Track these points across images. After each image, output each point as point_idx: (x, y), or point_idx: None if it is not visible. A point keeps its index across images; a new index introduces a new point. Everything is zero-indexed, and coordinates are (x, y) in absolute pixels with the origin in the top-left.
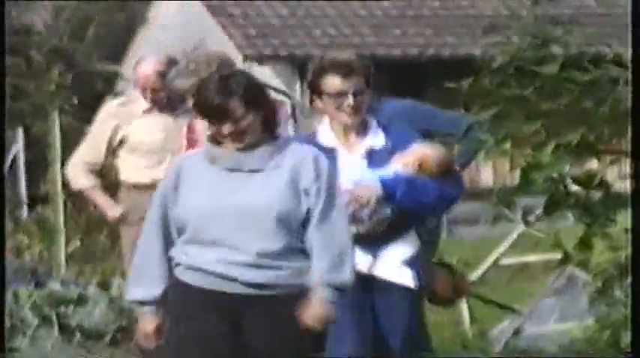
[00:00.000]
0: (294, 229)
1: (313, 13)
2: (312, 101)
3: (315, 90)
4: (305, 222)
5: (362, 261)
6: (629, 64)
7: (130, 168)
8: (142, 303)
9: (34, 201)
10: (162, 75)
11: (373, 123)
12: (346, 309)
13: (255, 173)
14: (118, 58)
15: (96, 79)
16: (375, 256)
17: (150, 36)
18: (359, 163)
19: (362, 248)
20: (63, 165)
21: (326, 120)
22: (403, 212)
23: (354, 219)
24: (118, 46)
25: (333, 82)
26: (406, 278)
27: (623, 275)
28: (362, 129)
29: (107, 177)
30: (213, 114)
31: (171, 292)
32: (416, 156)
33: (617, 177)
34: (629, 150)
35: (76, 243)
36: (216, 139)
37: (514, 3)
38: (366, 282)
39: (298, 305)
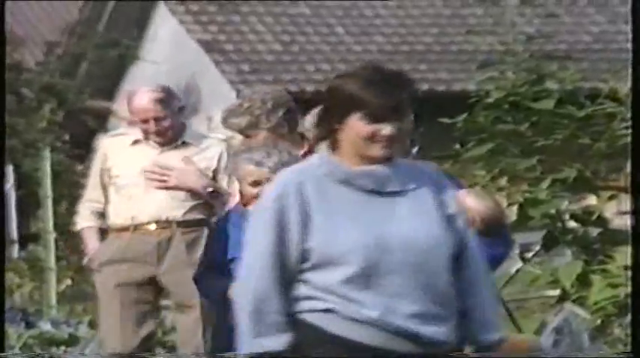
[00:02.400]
0: (449, 268)
1: (307, 48)
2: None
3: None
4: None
5: None
6: (629, 100)
7: (114, 208)
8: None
9: (24, 240)
10: (162, 101)
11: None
12: None
13: (397, 196)
14: (110, 94)
15: (88, 116)
16: None
17: (142, 72)
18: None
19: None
20: (54, 203)
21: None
22: None
23: None
24: (110, 82)
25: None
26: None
27: (623, 312)
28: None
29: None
30: (379, 112)
31: (313, 344)
32: (459, 206)
33: (616, 213)
34: (629, 186)
35: (67, 282)
36: (335, 147)
37: (509, 38)
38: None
39: None
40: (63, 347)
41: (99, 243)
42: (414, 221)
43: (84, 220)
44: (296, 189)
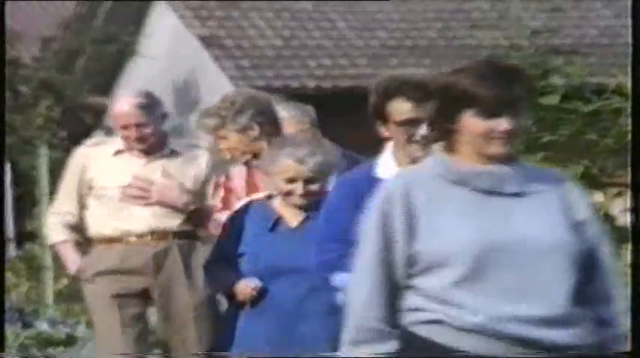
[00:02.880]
0: (577, 271)
1: (308, 44)
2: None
3: (380, 116)
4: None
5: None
6: (630, 94)
7: (97, 219)
8: None
9: (21, 238)
10: (143, 107)
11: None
12: None
13: (517, 198)
14: (108, 91)
15: (85, 113)
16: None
17: (140, 68)
18: None
19: None
20: (51, 201)
21: (389, 149)
22: None
23: None
24: (107, 78)
25: (401, 108)
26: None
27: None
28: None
29: (84, 231)
30: (495, 107)
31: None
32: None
33: (623, 210)
34: (630, 184)
35: (64, 281)
36: (452, 148)
37: (513, 33)
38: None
39: None
40: (60, 348)
41: (80, 255)
42: (533, 223)
43: (57, 234)
44: (401, 193)
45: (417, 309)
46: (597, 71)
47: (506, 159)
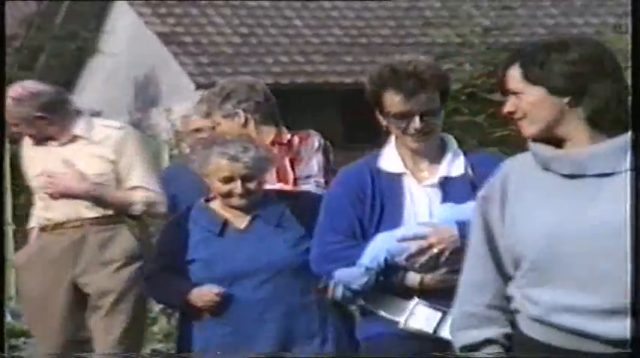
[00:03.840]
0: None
1: (265, 41)
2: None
3: (377, 106)
4: None
5: (428, 317)
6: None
7: (36, 209)
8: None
9: None
10: (19, 101)
11: (453, 145)
12: None
13: (605, 178)
14: (69, 87)
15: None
16: (443, 312)
17: (101, 64)
18: (431, 195)
19: (426, 301)
20: (13, 195)
21: (392, 140)
22: None
23: (423, 267)
24: (69, 75)
25: (393, 101)
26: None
27: None
28: (437, 153)
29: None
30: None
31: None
32: None
33: None
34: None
35: None
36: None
37: (466, 31)
38: (432, 345)
39: None
40: (22, 339)
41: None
42: (620, 205)
43: (31, 221)
44: (500, 182)
45: (509, 298)
46: None
47: (589, 141)
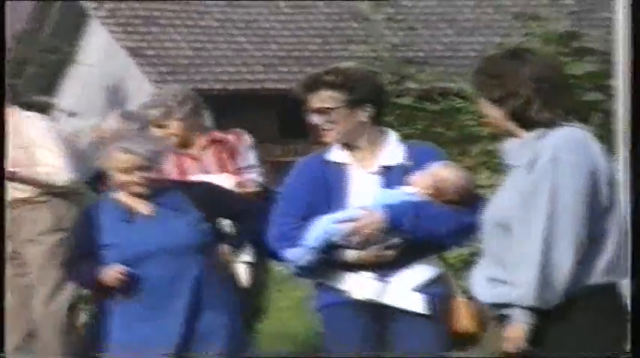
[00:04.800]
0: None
1: (214, 54)
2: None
3: (303, 106)
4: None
5: (370, 287)
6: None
7: None
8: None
9: None
10: None
11: (392, 136)
12: (356, 340)
13: (511, 170)
14: (51, 92)
15: (33, 109)
16: (384, 282)
17: (78, 73)
18: (372, 181)
19: (370, 272)
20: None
21: None
22: (417, 239)
23: (357, 245)
24: (52, 82)
25: (309, 100)
26: (416, 304)
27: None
28: (378, 145)
29: None
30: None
31: None
32: (432, 178)
33: None
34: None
35: None
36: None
37: (379, 47)
38: (378, 310)
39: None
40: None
41: None
42: (509, 194)
43: None
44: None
45: None
46: (442, 78)
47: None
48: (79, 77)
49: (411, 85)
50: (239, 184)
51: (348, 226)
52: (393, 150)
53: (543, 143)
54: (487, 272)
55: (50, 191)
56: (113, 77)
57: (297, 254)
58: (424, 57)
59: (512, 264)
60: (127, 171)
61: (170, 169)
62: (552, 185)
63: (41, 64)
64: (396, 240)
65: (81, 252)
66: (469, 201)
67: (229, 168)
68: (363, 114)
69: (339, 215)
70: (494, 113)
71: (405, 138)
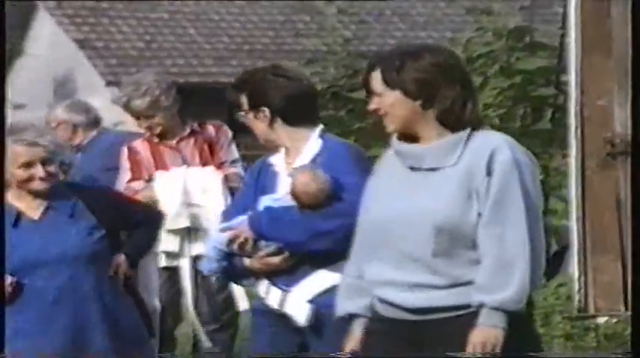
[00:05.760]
0: (462, 240)
1: (164, 46)
2: None
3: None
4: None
5: (274, 295)
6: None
7: None
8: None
9: None
10: None
11: (315, 134)
12: (278, 346)
13: (433, 172)
14: None
15: None
16: (286, 290)
17: (25, 65)
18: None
19: (273, 281)
20: None
21: None
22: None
23: (243, 253)
24: None
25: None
26: (300, 315)
27: None
28: (303, 141)
29: None
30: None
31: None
32: (294, 183)
33: None
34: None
35: None
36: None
37: (331, 40)
38: (283, 318)
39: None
40: None
41: None
42: (431, 196)
43: None
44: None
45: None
46: None
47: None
48: (26, 68)
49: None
50: (225, 178)
51: (228, 234)
52: (312, 147)
53: (479, 144)
54: (411, 278)
55: None
56: (61, 69)
57: (203, 263)
58: (376, 51)
59: (468, 267)
60: (27, 165)
61: (148, 160)
62: (522, 186)
63: None
64: (272, 248)
65: None
66: (325, 204)
67: (212, 161)
68: (265, 118)
69: (224, 223)
70: (407, 109)
71: (357, 132)
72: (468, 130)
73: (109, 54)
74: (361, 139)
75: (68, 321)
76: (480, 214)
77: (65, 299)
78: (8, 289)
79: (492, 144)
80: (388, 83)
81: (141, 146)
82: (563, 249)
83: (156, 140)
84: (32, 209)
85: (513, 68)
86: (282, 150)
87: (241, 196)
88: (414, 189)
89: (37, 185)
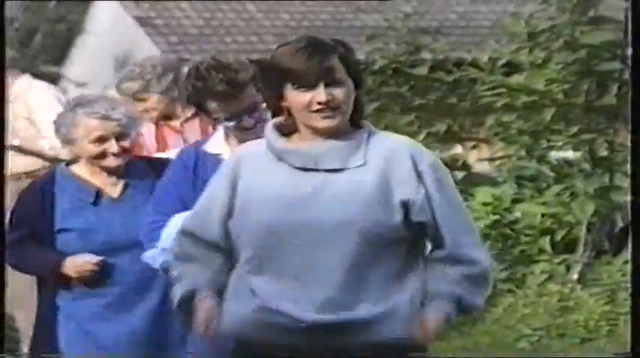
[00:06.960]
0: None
1: (224, 23)
2: None
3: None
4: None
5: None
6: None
7: None
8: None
9: None
10: None
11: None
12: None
13: (334, 174)
14: (60, 62)
15: (41, 79)
16: None
17: (86, 43)
18: None
19: None
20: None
21: (222, 128)
22: None
23: None
24: (60, 52)
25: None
26: None
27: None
28: (247, 138)
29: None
30: (309, 79)
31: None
32: None
33: (477, 160)
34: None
35: None
36: (282, 126)
37: (391, 16)
38: None
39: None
40: None
41: None
42: (343, 200)
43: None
44: (232, 166)
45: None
46: (457, 48)
47: (336, 133)
48: (87, 47)
49: (425, 55)
50: None
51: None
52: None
53: (382, 146)
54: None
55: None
56: (122, 47)
57: (152, 256)
58: (438, 26)
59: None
60: (100, 140)
61: (150, 142)
62: (453, 182)
63: (49, 33)
64: None
65: (26, 235)
66: None
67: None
68: (189, 110)
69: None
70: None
71: (418, 108)
72: (367, 130)
73: (169, 31)
74: (423, 116)
75: (152, 306)
76: (433, 218)
77: (150, 283)
78: (95, 268)
79: (405, 149)
80: (349, 72)
81: (146, 129)
82: (628, 226)
83: (162, 122)
84: (111, 186)
85: (577, 42)
86: (223, 138)
87: (175, 186)
88: (314, 192)
89: (111, 161)
